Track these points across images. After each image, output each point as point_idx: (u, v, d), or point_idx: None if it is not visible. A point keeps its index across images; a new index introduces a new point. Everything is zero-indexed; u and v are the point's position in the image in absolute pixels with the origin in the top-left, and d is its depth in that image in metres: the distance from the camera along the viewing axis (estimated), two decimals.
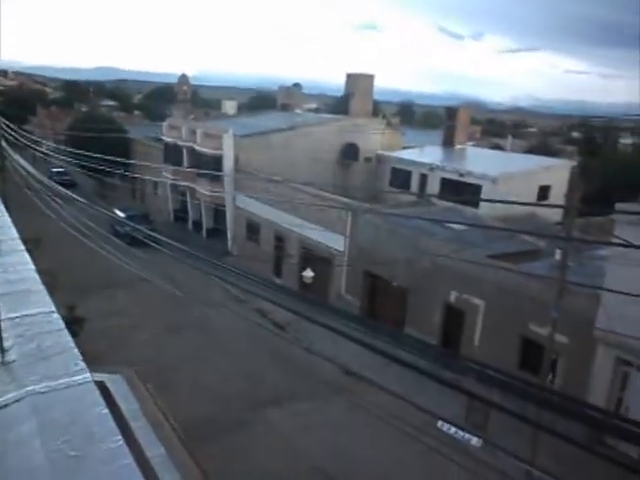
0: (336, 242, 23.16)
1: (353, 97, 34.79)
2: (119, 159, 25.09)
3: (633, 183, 20.19)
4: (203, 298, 20.09)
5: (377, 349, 4.36)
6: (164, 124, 37.38)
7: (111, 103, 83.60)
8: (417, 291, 19.82)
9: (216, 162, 29.46)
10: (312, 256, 24.42)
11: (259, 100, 75.44)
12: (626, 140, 63.99)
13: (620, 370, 14.39)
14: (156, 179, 34.15)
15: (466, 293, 18.11)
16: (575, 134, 74.10)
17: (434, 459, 12.38)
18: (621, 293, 11.61)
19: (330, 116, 37.16)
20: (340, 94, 40.40)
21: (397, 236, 20.35)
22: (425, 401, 10.02)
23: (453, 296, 18.60)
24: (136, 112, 71.32)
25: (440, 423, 12.03)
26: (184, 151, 33.27)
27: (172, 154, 34.62)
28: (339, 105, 38.57)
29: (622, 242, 11.88)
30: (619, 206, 13.26)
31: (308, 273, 21.92)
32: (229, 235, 31.01)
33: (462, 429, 12.16)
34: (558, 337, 13.66)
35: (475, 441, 12.80)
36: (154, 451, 5.57)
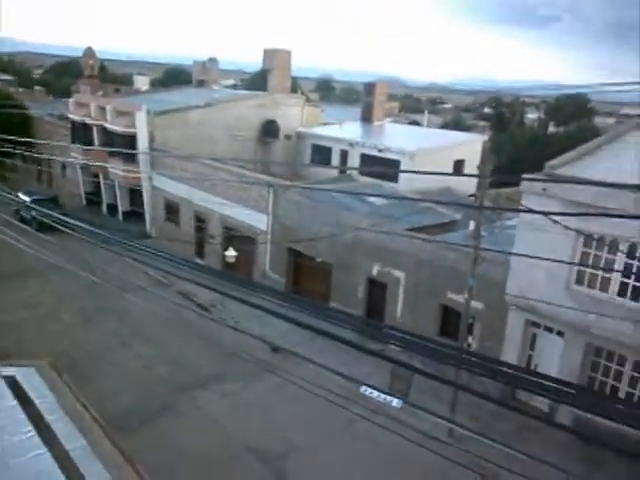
0: (259, 221, 22.97)
1: (271, 73, 34.27)
2: (20, 138, 23.30)
3: (538, 155, 21.45)
4: (122, 284, 19.31)
5: (303, 324, 4.37)
6: (70, 101, 35.04)
7: (7, 77, 77.12)
8: (340, 266, 20.15)
9: (129, 141, 28.09)
10: (235, 236, 24.09)
11: (173, 75, 72.47)
12: (532, 115, 67.94)
13: (529, 331, 15.46)
14: (64, 160, 32.09)
15: (388, 266, 18.62)
16: (487, 110, 77.55)
17: (361, 426, 12.80)
18: (525, 256, 12.42)
19: (248, 92, 36.47)
20: (257, 70, 39.67)
21: (319, 212, 20.48)
22: (352, 372, 10.25)
23: (375, 270, 19.08)
24: (37, 88, 66.25)
25: (363, 388, 12.45)
26: (94, 130, 31.43)
27: (81, 133, 32.61)
28: (256, 81, 37.93)
29: (527, 209, 12.66)
30: (525, 177, 14.04)
31: (230, 252, 21.63)
32: (147, 217, 29.88)
33: (383, 392, 12.65)
34: (474, 303, 14.43)
35: (396, 402, 13.38)
36: (74, 443, 5.33)
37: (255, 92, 34.72)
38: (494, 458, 9.02)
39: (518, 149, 34.06)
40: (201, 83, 38.37)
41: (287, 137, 31.74)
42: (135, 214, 31.02)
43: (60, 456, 4.99)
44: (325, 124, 34.61)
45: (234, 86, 51.45)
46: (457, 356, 3.90)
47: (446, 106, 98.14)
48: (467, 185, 24.27)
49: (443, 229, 19.90)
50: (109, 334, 18.86)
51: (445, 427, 13.61)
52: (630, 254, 12.76)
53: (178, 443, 13.29)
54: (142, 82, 51.03)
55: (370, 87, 33.46)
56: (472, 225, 12.36)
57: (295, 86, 41.90)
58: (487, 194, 15.13)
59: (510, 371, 3.40)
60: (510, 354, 15.36)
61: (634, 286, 12.95)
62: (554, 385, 2.90)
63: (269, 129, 31.19)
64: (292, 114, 32.28)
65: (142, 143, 27.88)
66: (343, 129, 31.49)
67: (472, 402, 14.07)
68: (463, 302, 13.80)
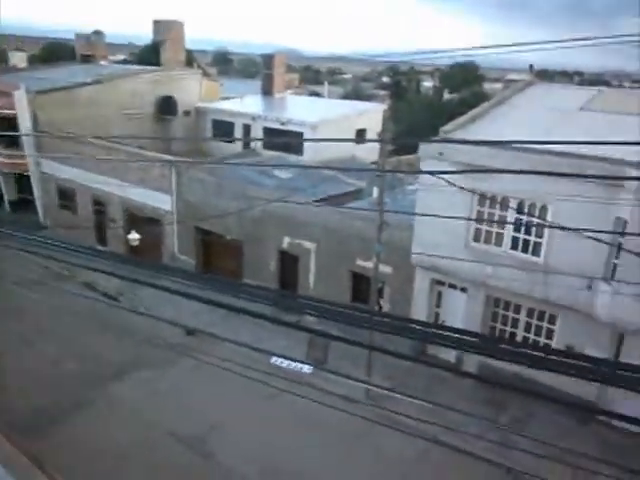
0: (162, 201, 22.14)
1: (163, 46, 32.69)
2: None
3: (435, 121, 22.33)
4: (19, 280, 17.94)
5: (216, 303, 4.30)
6: None
7: None
8: (251, 242, 20.02)
9: (9, 123, 25.78)
10: (138, 218, 23.10)
11: (52, 51, 66.85)
12: (428, 83, 70.43)
13: (435, 290, 16.33)
14: None
15: (298, 238, 18.77)
16: (385, 79, 79.27)
17: (281, 398, 13.00)
18: (423, 215, 13.02)
19: (141, 67, 34.56)
20: (147, 43, 37.62)
21: (225, 189, 20.12)
22: (269, 346, 10.32)
23: (286, 242, 19.16)
24: None
25: (274, 359, 12.60)
26: None
27: None
28: (147, 55, 35.87)
29: (426, 171, 13.21)
30: (422, 143, 14.62)
31: (133, 236, 20.72)
32: (39, 205, 27.80)
33: (295, 360, 12.82)
34: (383, 268, 14.96)
35: (307, 369, 13.70)
36: None
37: (148, 67, 32.99)
38: (411, 412, 9.56)
39: (416, 116, 35.29)
40: (87, 59, 35.84)
41: (186, 113, 30.60)
42: (25, 203, 28.71)
43: None
44: (225, 98, 33.72)
45: (124, 61, 48.51)
46: (369, 319, 4.03)
47: (346, 76, 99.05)
48: (371, 153, 24.88)
49: (349, 198, 20.32)
50: (9, 335, 17.54)
51: (363, 389, 14.18)
52: (519, 210, 13.77)
53: (94, 439, 12.78)
54: (19, 59, 46.72)
55: (269, 59, 32.92)
56: (376, 192, 12.72)
57: (190, 59, 40.21)
58: (388, 162, 15.61)
59: (420, 327, 3.56)
60: (419, 313, 16.18)
61: (524, 239, 14.02)
62: (459, 336, 3.08)
63: (166, 106, 29.85)
64: (190, 89, 31.09)
65: (24, 126, 25.68)
66: (244, 103, 30.87)
67: (387, 363, 14.77)
68: (372, 268, 14.25)
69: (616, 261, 12.45)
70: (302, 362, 12.71)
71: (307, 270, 18.90)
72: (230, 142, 28.46)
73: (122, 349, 16.45)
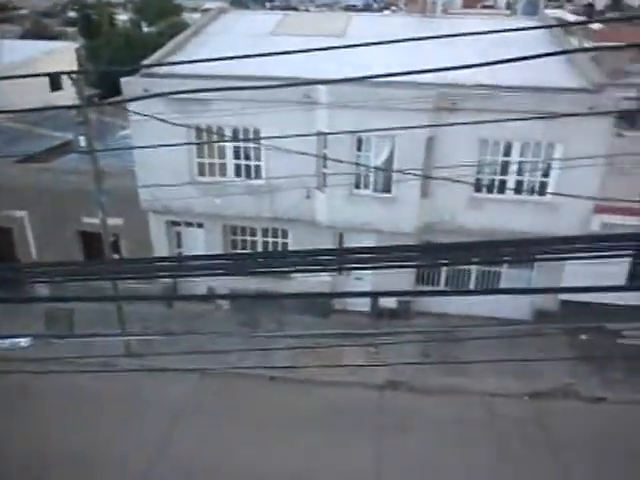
0: None
1: None
2: None
3: (138, 56, 20.91)
4: None
5: None
6: None
7: None
8: None
9: None
10: None
11: None
12: (123, 16, 65.12)
13: (172, 231, 16.12)
14: None
15: (5, 208, 16.21)
16: (72, 14, 70.48)
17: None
18: (137, 148, 12.51)
19: None
20: None
21: None
22: (6, 329, 9.02)
23: None
24: None
25: None
26: None
27: None
28: None
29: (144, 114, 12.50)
30: (124, 80, 13.66)
31: None
32: None
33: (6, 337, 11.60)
34: (113, 221, 14.06)
35: (24, 342, 12.54)
36: None
37: None
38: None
39: (116, 52, 32.62)
40: None
41: None
42: None
43: None
44: None
45: None
46: (104, 269, 3.75)
47: (22, 12, 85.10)
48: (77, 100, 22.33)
49: (59, 152, 18.16)
50: None
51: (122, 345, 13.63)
52: (234, 138, 14.19)
53: None
54: None
55: None
56: (83, 142, 11.57)
57: None
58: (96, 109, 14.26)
59: (165, 264, 3.45)
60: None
61: (246, 165, 14.62)
62: (212, 262, 3.06)
63: None
64: None
65: None
66: None
67: (142, 314, 14.41)
68: (100, 222, 13.25)
69: (325, 170, 13.96)
70: (16, 336, 11.38)
71: (25, 240, 16.63)
72: None
73: None
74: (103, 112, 15.96)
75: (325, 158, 13.70)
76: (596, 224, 13.73)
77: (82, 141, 11.83)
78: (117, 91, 14.33)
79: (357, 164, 13.71)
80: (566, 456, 11.07)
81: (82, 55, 26.10)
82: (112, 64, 27.68)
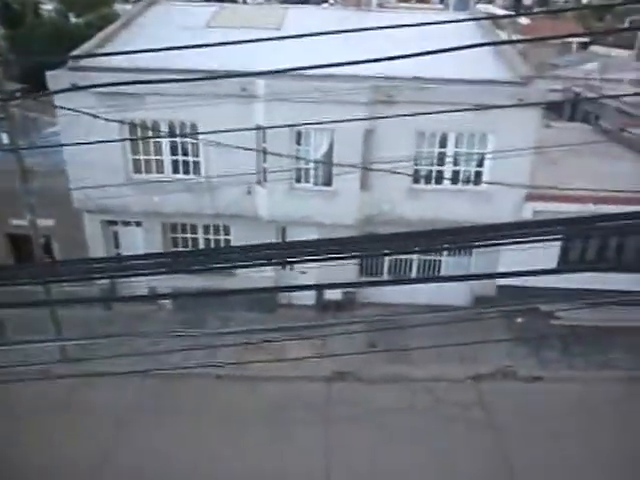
0: None
1: None
2: None
3: (67, 48, 19.90)
4: None
5: None
6: None
7: None
8: None
9: None
10: None
11: None
12: (48, 6, 61.91)
13: (109, 231, 15.54)
14: None
15: None
16: None
17: None
18: (64, 145, 11.97)
19: None
20: None
21: None
22: None
23: None
24: None
25: None
26: None
27: None
28: None
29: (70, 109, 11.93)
30: (50, 73, 13.01)
31: None
32: None
33: None
34: (44, 222, 13.40)
35: None
36: None
37: None
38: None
39: (41, 44, 31.01)
40: None
41: None
42: None
43: None
44: None
45: None
46: (35, 272, 3.54)
47: None
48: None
49: None
50: None
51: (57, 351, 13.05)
52: (171, 134, 13.81)
53: None
54: None
55: None
56: (6, 138, 10.90)
57: None
58: (17, 104, 13.47)
59: (103, 265, 3.28)
60: None
61: (184, 161, 14.27)
62: (152, 261, 2.95)
63: None
64: None
65: None
66: None
67: (80, 318, 13.81)
68: (29, 224, 12.57)
69: (265, 165, 13.83)
70: None
71: None
72: None
73: None
74: (28, 108, 15.11)
75: (265, 152, 13.58)
76: (528, 211, 14.33)
77: (4, 138, 11.15)
78: (43, 86, 13.59)
79: (297, 158, 13.68)
80: (507, 435, 11.54)
81: (2, 46, 24.56)
82: (39, 55, 26.28)
